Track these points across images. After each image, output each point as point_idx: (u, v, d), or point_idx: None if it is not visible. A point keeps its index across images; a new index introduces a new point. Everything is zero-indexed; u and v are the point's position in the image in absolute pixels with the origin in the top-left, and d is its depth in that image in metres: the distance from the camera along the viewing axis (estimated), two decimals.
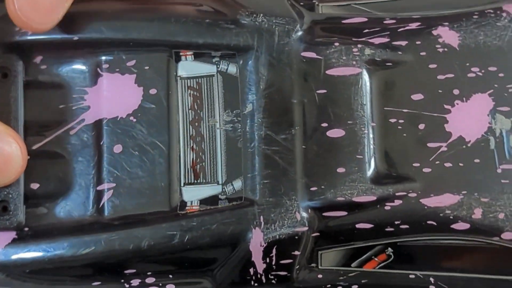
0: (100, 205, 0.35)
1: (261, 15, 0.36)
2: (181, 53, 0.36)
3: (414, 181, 0.36)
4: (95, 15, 0.35)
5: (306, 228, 0.35)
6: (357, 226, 0.36)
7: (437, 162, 0.36)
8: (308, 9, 0.38)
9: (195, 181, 0.36)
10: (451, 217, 0.36)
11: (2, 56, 0.34)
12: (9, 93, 0.34)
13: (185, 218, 0.35)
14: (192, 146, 0.36)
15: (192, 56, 0.37)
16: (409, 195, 0.36)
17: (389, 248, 0.38)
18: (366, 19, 0.38)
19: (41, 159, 0.35)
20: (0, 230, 0.34)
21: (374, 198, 0.36)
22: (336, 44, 0.36)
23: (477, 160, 0.37)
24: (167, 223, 0.35)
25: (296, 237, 0.35)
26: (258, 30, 0.36)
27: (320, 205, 0.36)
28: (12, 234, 0.34)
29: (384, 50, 0.37)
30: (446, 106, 0.37)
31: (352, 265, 0.38)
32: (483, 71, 0.37)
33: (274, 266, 0.36)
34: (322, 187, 0.36)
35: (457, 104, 0.37)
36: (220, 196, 0.36)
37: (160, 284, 0.35)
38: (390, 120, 0.37)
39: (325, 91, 0.36)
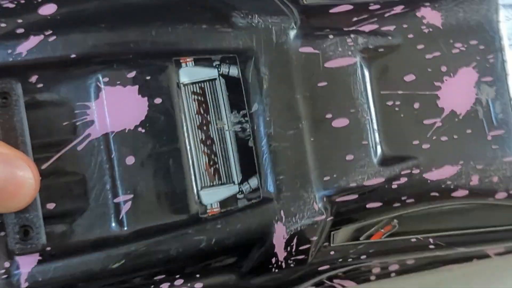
0: (120, 218, 0.35)
1: (256, 15, 0.36)
2: (181, 60, 0.36)
3: (416, 158, 0.38)
4: (91, 31, 0.35)
5: (324, 216, 0.37)
6: (367, 206, 0.38)
7: (434, 138, 0.38)
8: (292, 1, 0.38)
9: (212, 184, 0.37)
10: (452, 187, 0.38)
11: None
12: (13, 118, 0.33)
13: (209, 221, 0.36)
14: (204, 150, 0.37)
15: (193, 62, 0.37)
16: (413, 171, 0.38)
17: (395, 220, 0.40)
18: (351, 7, 0.39)
19: (54, 179, 0.35)
20: (25, 254, 0.34)
21: (383, 179, 0.38)
22: (331, 36, 0.37)
23: (469, 131, 0.39)
24: (193, 229, 0.35)
25: (315, 226, 0.37)
26: (256, 31, 0.36)
27: (335, 193, 0.37)
28: (36, 256, 0.34)
29: (375, 37, 0.38)
30: (436, 83, 0.39)
31: (361, 238, 0.40)
32: (465, 45, 0.39)
33: (293, 253, 0.37)
34: (335, 175, 0.37)
35: (446, 80, 0.39)
36: (238, 196, 0.37)
37: (189, 285, 0.36)
38: (387, 103, 0.38)
39: (325, 83, 0.37)
